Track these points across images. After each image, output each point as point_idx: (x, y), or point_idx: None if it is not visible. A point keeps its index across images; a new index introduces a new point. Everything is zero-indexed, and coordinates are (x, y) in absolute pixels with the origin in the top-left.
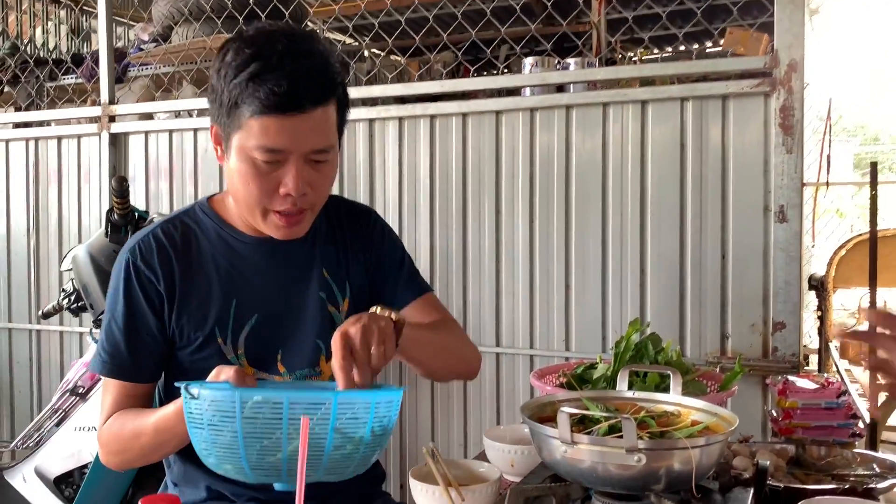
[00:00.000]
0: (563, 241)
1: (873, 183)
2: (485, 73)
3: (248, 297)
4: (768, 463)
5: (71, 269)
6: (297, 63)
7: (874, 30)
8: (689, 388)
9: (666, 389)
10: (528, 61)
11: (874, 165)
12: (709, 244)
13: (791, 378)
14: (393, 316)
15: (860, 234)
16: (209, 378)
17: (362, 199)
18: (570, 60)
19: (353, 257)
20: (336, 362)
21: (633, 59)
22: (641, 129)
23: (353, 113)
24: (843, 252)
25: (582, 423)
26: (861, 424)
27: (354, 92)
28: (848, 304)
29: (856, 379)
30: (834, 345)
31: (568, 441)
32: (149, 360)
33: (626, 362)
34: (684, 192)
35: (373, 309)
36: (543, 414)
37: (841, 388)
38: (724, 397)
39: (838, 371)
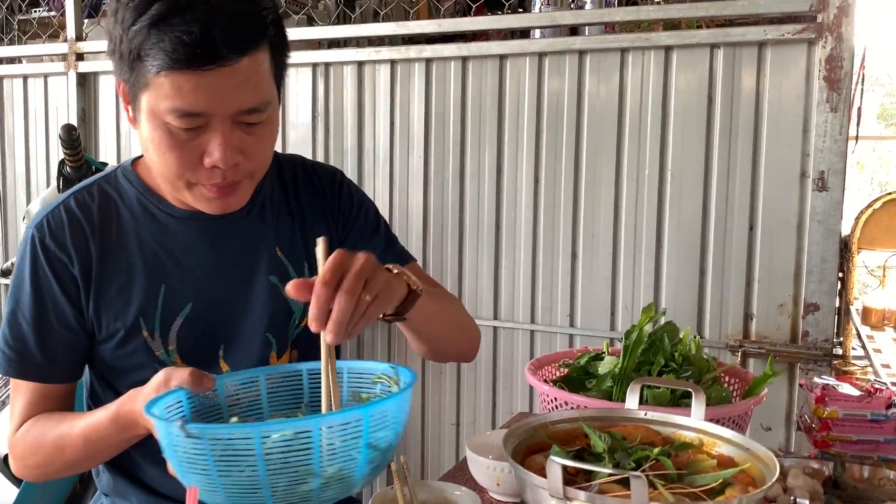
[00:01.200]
0: (572, 204)
1: None
2: (489, 12)
3: (179, 283)
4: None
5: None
6: (211, 1)
7: None
8: (711, 395)
9: (685, 393)
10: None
11: None
12: (735, 212)
13: (831, 382)
14: (410, 283)
15: (889, 194)
16: (150, 387)
17: (350, 152)
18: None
19: (315, 230)
20: (318, 279)
21: None
22: (664, 78)
23: (341, 54)
24: (869, 211)
25: (581, 458)
26: None
27: (342, 30)
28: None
29: (880, 347)
30: (855, 308)
31: (560, 496)
32: (65, 357)
33: (638, 357)
34: (710, 152)
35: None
36: (534, 441)
37: (891, 398)
38: (751, 405)
39: (859, 336)
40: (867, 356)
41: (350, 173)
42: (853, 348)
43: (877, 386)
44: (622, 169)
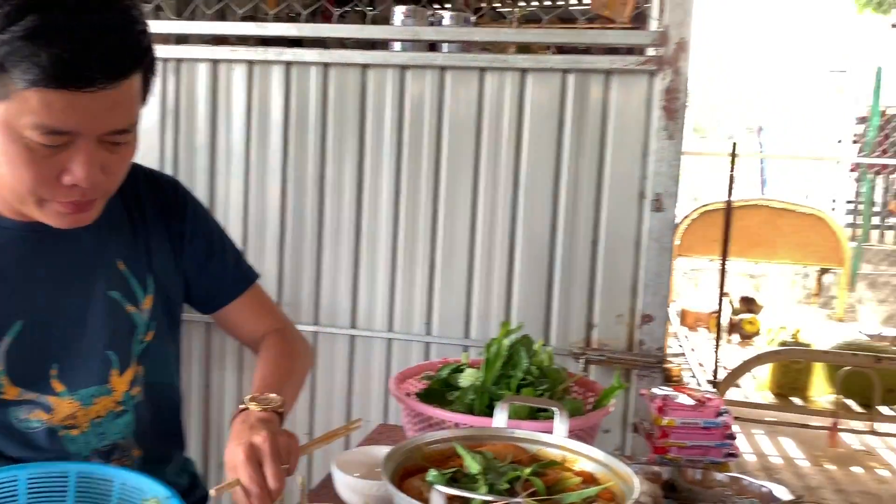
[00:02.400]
0: (431, 215)
1: (732, 163)
2: (336, 7)
3: (7, 300)
4: None
5: None
6: (92, 18)
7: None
8: (565, 406)
9: (548, 393)
10: (400, 10)
11: (734, 146)
12: (581, 228)
13: (670, 393)
14: (278, 409)
15: (704, 206)
16: None
17: (201, 150)
18: (445, 14)
19: (158, 243)
20: (247, 479)
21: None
22: (520, 99)
23: (195, 52)
24: (687, 222)
25: (456, 480)
26: (737, 445)
27: (195, 27)
28: (687, 269)
29: (694, 346)
30: (674, 310)
31: None
32: None
33: (498, 370)
34: (560, 171)
35: (250, 406)
36: (410, 464)
37: (720, 407)
38: (601, 417)
39: (676, 336)
40: (684, 354)
41: (202, 172)
42: (670, 347)
43: (708, 396)
44: (479, 183)
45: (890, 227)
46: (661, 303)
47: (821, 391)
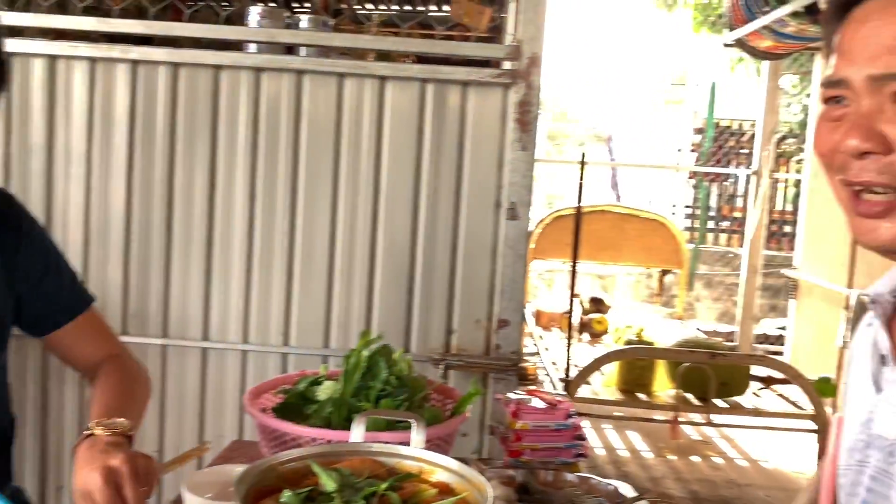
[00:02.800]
0: (288, 222)
1: (581, 172)
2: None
3: None
4: None
5: None
6: None
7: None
8: (425, 416)
9: (407, 402)
10: (255, 11)
11: (583, 155)
12: (440, 236)
13: (523, 397)
14: (127, 433)
15: (557, 211)
16: None
17: (37, 150)
18: (303, 16)
19: None
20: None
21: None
22: (379, 106)
23: (29, 46)
24: (541, 227)
25: (312, 499)
26: (587, 444)
27: (31, 19)
28: (541, 270)
29: (548, 346)
30: (528, 311)
31: None
32: None
33: (356, 381)
34: (420, 179)
35: (97, 431)
36: (264, 484)
37: (570, 409)
38: (458, 424)
39: (532, 336)
40: (538, 353)
41: (38, 174)
42: (526, 346)
43: (559, 398)
44: (339, 190)
45: (724, 231)
46: (516, 308)
47: (663, 386)
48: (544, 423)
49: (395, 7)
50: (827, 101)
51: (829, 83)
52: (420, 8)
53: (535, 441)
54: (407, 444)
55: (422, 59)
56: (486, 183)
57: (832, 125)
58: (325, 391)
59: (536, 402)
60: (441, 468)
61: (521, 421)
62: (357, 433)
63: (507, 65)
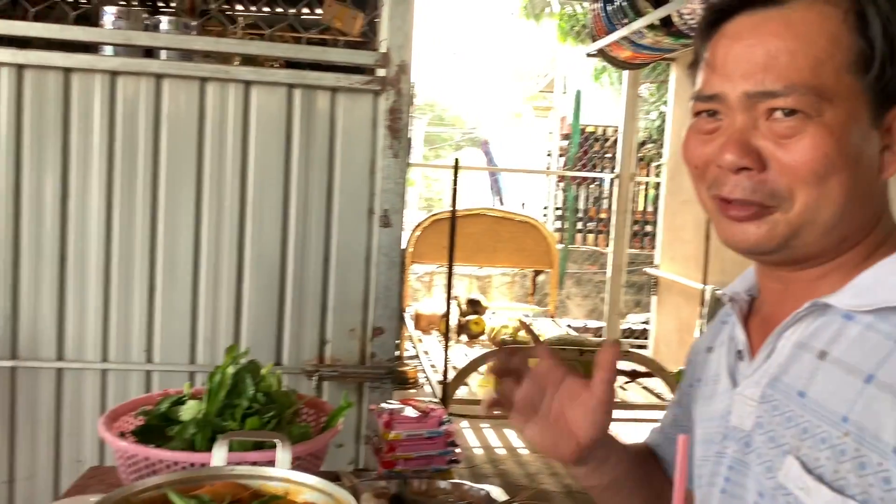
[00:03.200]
0: (149, 233)
1: (455, 176)
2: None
3: None
4: None
5: None
6: None
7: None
8: (293, 433)
9: (276, 419)
10: (110, 11)
11: (456, 161)
12: (312, 245)
13: (396, 406)
14: None
15: (434, 215)
16: None
17: None
18: (163, 18)
19: None
20: None
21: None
22: (245, 112)
23: None
24: (419, 230)
25: None
26: (459, 451)
27: None
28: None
29: (428, 349)
30: (408, 314)
31: None
32: None
33: (221, 400)
34: (289, 187)
35: None
36: None
37: (442, 416)
38: (329, 439)
39: (411, 339)
40: (418, 356)
41: None
42: (406, 350)
43: (431, 406)
44: (203, 198)
45: (592, 231)
46: (391, 315)
47: None
48: (417, 431)
49: (266, 9)
50: (698, 113)
51: (703, 97)
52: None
53: (408, 450)
54: (274, 463)
55: (289, 63)
56: (358, 190)
57: (704, 138)
58: (188, 411)
59: (409, 411)
60: (308, 487)
61: (393, 431)
62: (219, 456)
63: (377, 71)
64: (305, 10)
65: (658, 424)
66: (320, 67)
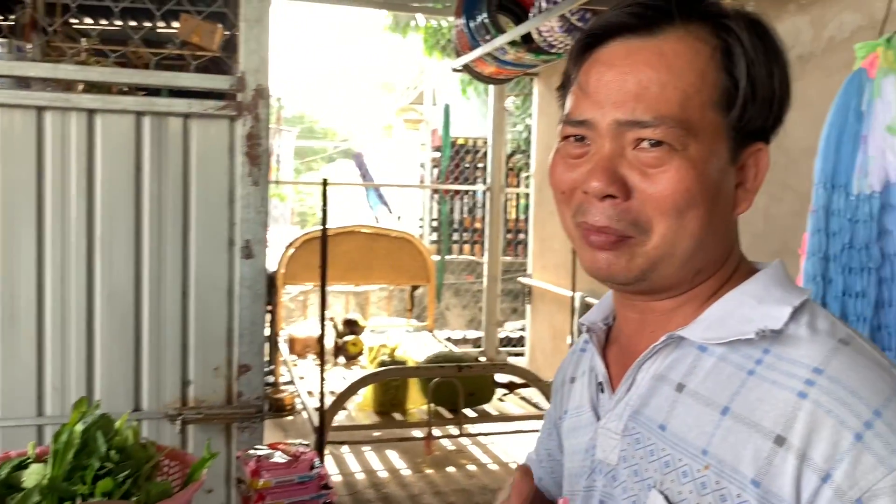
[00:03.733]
0: None
1: (324, 193)
2: None
3: None
4: None
5: None
6: None
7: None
8: (151, 492)
9: (132, 478)
10: None
11: (325, 181)
12: (168, 280)
13: (264, 452)
14: None
15: (306, 234)
16: None
17: None
18: None
19: None
20: None
21: (76, 48)
22: (89, 143)
23: None
24: (291, 250)
25: None
26: (334, 492)
27: None
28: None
29: (304, 374)
30: (282, 338)
31: None
32: None
33: (70, 462)
34: (141, 220)
35: None
36: None
37: (314, 460)
38: (192, 494)
39: (286, 364)
40: (293, 382)
41: None
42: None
43: (301, 450)
44: (45, 235)
45: (467, 242)
46: (257, 351)
47: (417, 403)
48: (287, 477)
49: (119, 23)
50: (567, 137)
51: (573, 122)
52: (146, 24)
53: (278, 497)
54: None
55: (141, 86)
56: (216, 221)
57: (571, 162)
58: (31, 476)
59: (278, 457)
60: None
61: (262, 479)
62: None
63: (232, 97)
64: (161, 25)
65: (534, 454)
66: (171, 93)
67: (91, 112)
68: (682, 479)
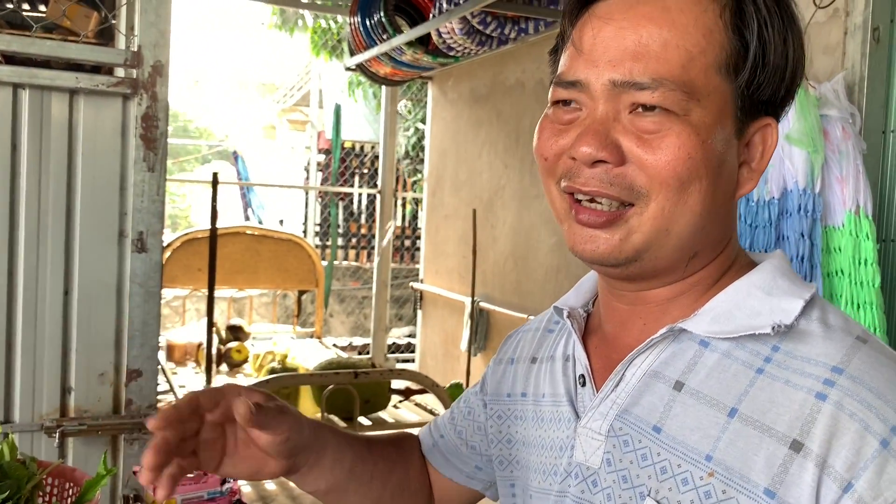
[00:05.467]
0: None
1: (214, 192)
2: None
3: None
4: None
5: None
6: None
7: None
8: None
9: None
10: None
11: (215, 176)
12: (48, 276)
13: None
14: None
15: (185, 234)
16: None
17: None
18: None
19: None
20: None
21: None
22: None
23: None
24: (169, 251)
25: None
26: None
27: None
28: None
29: (184, 382)
30: (161, 344)
31: None
32: None
33: None
34: (16, 207)
35: None
36: None
37: None
38: None
39: (164, 372)
40: (172, 391)
41: None
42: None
43: None
44: None
45: (353, 247)
46: (150, 354)
47: (309, 411)
48: (196, 493)
49: None
50: (557, 102)
51: (563, 83)
52: (9, 5)
53: None
54: None
55: (12, 59)
56: (105, 210)
57: (559, 128)
58: None
59: None
60: None
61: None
62: None
63: (123, 72)
64: (26, 7)
65: (440, 422)
66: (48, 68)
67: None
68: (682, 487)
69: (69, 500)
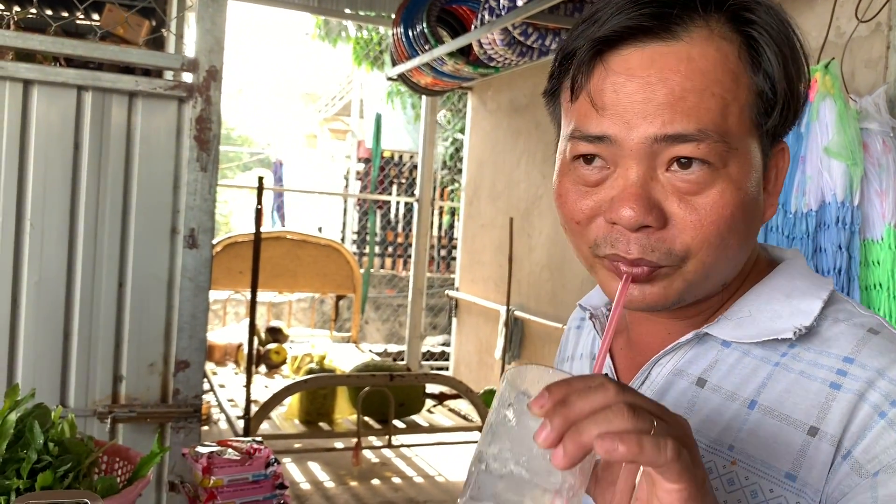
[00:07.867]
0: None
1: (259, 197)
2: None
3: None
4: None
5: None
6: None
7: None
8: (99, 487)
9: (72, 473)
10: None
11: (260, 180)
12: (104, 268)
13: (215, 449)
14: None
15: (229, 238)
16: None
17: None
18: None
19: None
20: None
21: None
22: (23, 116)
23: None
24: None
25: None
26: (288, 493)
27: None
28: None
29: (224, 382)
30: None
31: None
32: None
33: (3, 454)
34: (77, 202)
35: None
36: None
37: (269, 457)
38: (140, 490)
39: (205, 372)
40: (213, 391)
41: None
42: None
43: (255, 447)
44: None
45: (390, 255)
46: (197, 347)
47: (344, 413)
48: (241, 475)
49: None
50: (577, 157)
51: (588, 137)
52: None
53: (231, 497)
54: None
55: (73, 64)
56: (159, 207)
57: (587, 190)
58: None
59: (231, 454)
60: None
61: (214, 476)
62: None
63: (180, 76)
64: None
65: None
66: (114, 71)
67: (27, 83)
68: (707, 476)
69: (123, 476)
